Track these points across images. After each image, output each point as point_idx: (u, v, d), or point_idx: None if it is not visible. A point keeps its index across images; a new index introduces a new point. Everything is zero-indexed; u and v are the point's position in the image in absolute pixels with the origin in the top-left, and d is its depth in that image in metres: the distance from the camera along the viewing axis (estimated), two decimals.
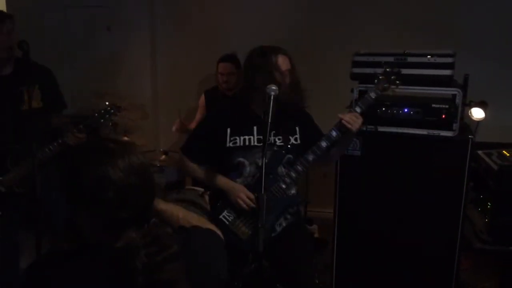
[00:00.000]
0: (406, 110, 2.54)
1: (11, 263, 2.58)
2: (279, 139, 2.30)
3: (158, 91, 4.62)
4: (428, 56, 2.50)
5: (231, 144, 2.27)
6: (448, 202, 2.54)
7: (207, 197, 3.32)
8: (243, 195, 2.20)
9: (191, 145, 2.38)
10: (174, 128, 3.81)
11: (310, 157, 2.22)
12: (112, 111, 2.58)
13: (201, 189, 3.38)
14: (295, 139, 2.33)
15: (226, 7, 4.31)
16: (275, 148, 2.28)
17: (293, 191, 2.32)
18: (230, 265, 2.18)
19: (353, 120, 2.18)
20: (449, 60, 2.48)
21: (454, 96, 2.46)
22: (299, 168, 2.24)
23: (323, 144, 2.22)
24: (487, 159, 2.76)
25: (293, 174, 2.24)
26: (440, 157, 2.53)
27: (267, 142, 2.22)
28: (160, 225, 1.18)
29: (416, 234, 2.62)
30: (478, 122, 3.00)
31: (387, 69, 2.27)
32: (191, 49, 4.40)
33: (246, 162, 2.27)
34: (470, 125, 2.82)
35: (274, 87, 1.96)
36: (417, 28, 3.75)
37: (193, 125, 4.04)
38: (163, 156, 3.74)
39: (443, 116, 2.47)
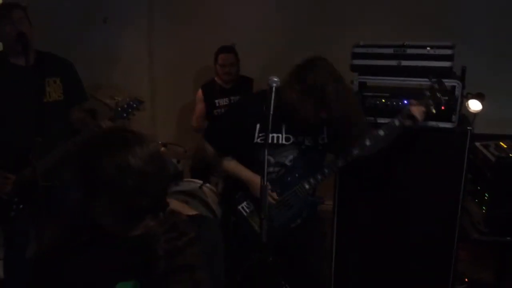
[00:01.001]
0: (405, 101, 2.55)
1: (21, 256, 2.60)
2: (307, 138, 2.27)
3: (155, 84, 4.61)
4: (428, 48, 2.50)
5: (259, 140, 2.22)
6: (447, 193, 2.56)
7: (205, 189, 3.33)
8: None
9: (216, 133, 2.35)
10: None
11: (340, 163, 2.23)
12: (134, 105, 2.56)
13: (200, 181, 3.38)
14: (322, 139, 2.29)
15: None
16: (302, 147, 2.26)
17: (311, 191, 2.31)
18: (239, 256, 2.19)
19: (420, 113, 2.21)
20: (449, 52, 2.49)
21: (453, 87, 2.47)
22: (326, 171, 2.24)
23: (355, 152, 2.22)
24: (484, 151, 2.78)
25: (319, 177, 2.24)
26: (439, 148, 2.54)
27: (295, 142, 2.24)
28: (175, 213, 1.18)
29: (414, 225, 2.64)
30: (475, 114, 3.02)
31: (435, 86, 2.24)
32: (189, 42, 4.39)
33: (272, 160, 2.24)
34: (468, 117, 2.84)
35: (275, 79, 1.94)
36: (415, 20, 3.76)
37: (193, 122, 4.04)
38: (162, 149, 3.74)
39: (443, 107, 2.48)
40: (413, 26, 3.70)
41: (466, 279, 2.99)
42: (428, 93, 2.23)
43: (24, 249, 2.63)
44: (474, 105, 3.05)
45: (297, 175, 2.24)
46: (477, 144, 2.85)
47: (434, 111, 2.24)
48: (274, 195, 2.23)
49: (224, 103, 3.93)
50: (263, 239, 1.73)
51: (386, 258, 2.71)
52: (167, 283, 1.09)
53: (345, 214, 2.76)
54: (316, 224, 2.47)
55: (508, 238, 2.63)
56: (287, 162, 2.25)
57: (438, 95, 2.23)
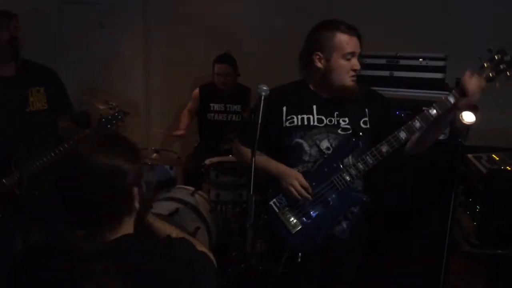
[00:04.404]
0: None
1: (3, 264, 2.57)
2: (344, 120, 2.00)
3: (151, 88, 4.61)
4: (420, 59, 2.51)
5: (287, 124, 2.02)
6: (438, 205, 2.57)
7: (197, 196, 3.31)
8: (296, 182, 1.93)
9: (247, 131, 2.10)
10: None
11: (384, 149, 1.92)
12: (119, 117, 2.57)
13: (192, 188, 3.37)
14: (364, 122, 2.02)
15: (222, 3, 4.30)
16: (340, 131, 2.00)
17: (359, 187, 2.06)
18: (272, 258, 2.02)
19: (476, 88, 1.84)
20: (441, 63, 2.50)
21: None
22: (369, 160, 1.93)
23: (402, 135, 1.91)
24: (476, 163, 2.77)
25: (361, 166, 1.94)
26: (431, 160, 2.55)
27: (329, 124, 1.99)
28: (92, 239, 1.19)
29: (405, 237, 2.64)
30: (469, 126, 3.02)
31: (496, 56, 1.88)
32: (185, 46, 4.39)
33: (305, 144, 2.00)
34: (461, 129, 2.84)
35: (265, 87, 1.90)
36: (409, 31, 3.77)
37: (184, 117, 4.03)
38: (155, 154, 3.73)
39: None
40: (407, 37, 3.70)
41: None
42: (487, 64, 1.88)
43: (7, 256, 2.60)
44: (468, 117, 3.04)
45: (335, 165, 1.95)
46: (469, 156, 2.84)
47: (497, 84, 1.89)
48: (307, 186, 1.94)
49: (219, 109, 3.94)
50: (247, 249, 1.70)
51: (376, 268, 2.69)
52: None
53: None
54: (359, 245, 2.17)
55: (500, 251, 2.61)
56: (324, 149, 1.98)
57: (501, 66, 1.88)
